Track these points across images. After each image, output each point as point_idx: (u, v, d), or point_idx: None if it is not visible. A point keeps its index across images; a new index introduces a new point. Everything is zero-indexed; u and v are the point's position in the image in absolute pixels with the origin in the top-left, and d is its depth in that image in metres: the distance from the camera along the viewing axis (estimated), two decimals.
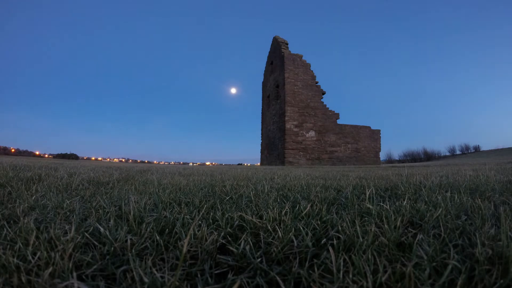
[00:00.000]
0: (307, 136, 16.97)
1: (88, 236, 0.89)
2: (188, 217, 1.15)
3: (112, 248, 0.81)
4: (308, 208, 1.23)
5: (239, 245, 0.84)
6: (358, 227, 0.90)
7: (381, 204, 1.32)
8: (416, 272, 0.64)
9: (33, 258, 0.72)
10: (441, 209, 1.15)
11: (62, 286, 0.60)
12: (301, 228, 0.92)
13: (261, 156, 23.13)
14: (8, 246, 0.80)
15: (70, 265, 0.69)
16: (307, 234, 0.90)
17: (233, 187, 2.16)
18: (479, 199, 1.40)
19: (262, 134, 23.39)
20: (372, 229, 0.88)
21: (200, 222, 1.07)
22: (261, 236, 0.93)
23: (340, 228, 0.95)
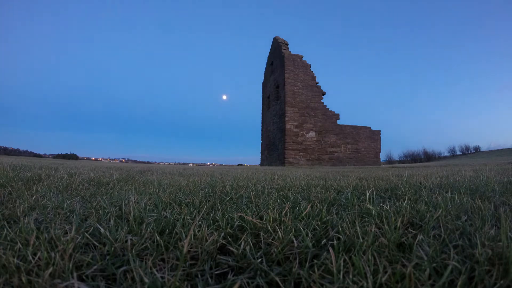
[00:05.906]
0: (307, 136, 16.96)
1: (88, 236, 0.89)
2: (188, 217, 1.15)
3: (112, 249, 0.81)
4: (308, 208, 1.23)
5: (239, 245, 0.84)
6: (358, 228, 0.90)
7: (381, 204, 1.32)
8: (416, 273, 0.64)
9: (33, 259, 0.72)
10: (441, 210, 1.15)
11: (62, 286, 0.60)
12: (301, 228, 0.92)
13: (261, 156, 23.13)
14: (9, 246, 0.80)
15: (71, 265, 0.69)
16: (307, 234, 0.90)
17: (233, 187, 2.15)
18: (479, 200, 1.40)
19: (262, 134, 23.39)
20: (372, 230, 0.88)
21: (200, 222, 1.07)
22: (261, 237, 0.94)
23: (340, 229, 0.95)
